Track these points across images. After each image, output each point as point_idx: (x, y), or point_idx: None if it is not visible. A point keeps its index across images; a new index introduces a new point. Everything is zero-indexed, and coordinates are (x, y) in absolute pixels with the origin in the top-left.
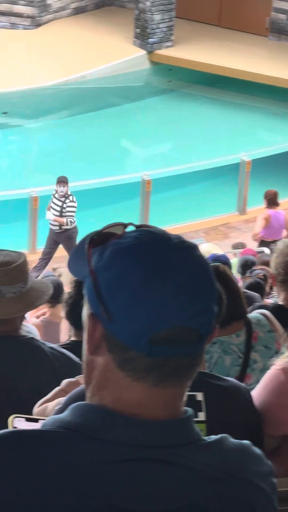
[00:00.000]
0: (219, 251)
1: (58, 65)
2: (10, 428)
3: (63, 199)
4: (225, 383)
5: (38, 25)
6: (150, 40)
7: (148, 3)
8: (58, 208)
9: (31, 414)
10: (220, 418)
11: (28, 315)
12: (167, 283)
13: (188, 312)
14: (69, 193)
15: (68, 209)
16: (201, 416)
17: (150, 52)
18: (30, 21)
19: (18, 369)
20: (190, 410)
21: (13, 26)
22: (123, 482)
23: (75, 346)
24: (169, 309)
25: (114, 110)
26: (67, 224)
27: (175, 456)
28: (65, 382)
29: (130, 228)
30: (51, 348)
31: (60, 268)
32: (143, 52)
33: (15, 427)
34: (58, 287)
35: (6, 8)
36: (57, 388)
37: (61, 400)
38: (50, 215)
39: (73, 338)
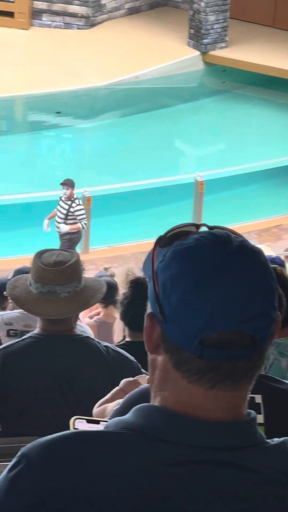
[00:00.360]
0: (272, 253)
1: (111, 65)
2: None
3: (69, 202)
4: (284, 386)
5: (93, 25)
6: (204, 41)
7: (202, 4)
8: (64, 211)
9: (87, 413)
10: (278, 420)
11: (81, 315)
12: (219, 286)
13: (241, 316)
14: (74, 196)
15: (77, 212)
16: (260, 418)
17: (204, 53)
18: (84, 21)
19: (73, 368)
20: (253, 413)
21: (68, 26)
22: (187, 484)
23: (130, 347)
24: (221, 313)
25: (167, 111)
26: (83, 228)
27: (239, 458)
28: (123, 382)
29: (204, 229)
30: (106, 346)
31: (112, 268)
32: (197, 53)
33: (77, 429)
34: (112, 287)
35: (60, 8)
36: (116, 389)
37: (120, 401)
38: (65, 227)
39: (128, 339)
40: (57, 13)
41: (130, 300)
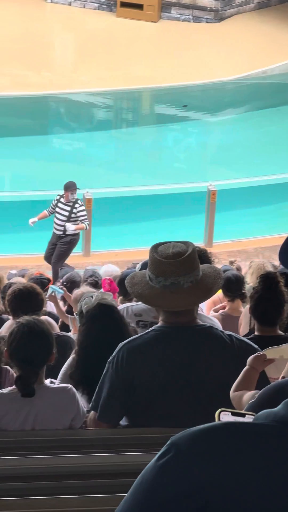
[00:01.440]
0: None
1: (239, 59)
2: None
3: (71, 204)
4: None
5: (221, 19)
6: None
7: None
8: (66, 214)
9: (215, 404)
10: None
11: (206, 308)
12: None
13: None
14: (76, 197)
15: (79, 213)
16: None
17: None
18: (213, 15)
19: (198, 359)
20: None
21: (196, 19)
22: None
23: (259, 341)
24: None
25: None
26: (86, 228)
27: None
28: (250, 359)
29: None
30: (230, 335)
31: (238, 261)
32: None
33: None
34: (237, 281)
35: (190, 1)
36: (245, 368)
37: (256, 394)
38: (71, 226)
39: (256, 333)
40: (186, 6)
41: (261, 294)
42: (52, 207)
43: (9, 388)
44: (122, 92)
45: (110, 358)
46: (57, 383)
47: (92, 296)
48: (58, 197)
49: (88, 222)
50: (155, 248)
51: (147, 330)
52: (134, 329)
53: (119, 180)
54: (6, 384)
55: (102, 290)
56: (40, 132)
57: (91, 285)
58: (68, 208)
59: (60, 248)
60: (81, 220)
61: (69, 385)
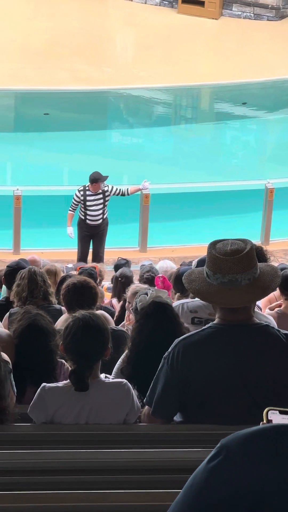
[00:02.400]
0: None
1: None
2: (265, 421)
3: (101, 192)
4: None
5: (283, 17)
6: None
7: None
8: (101, 202)
9: (269, 403)
10: None
11: (262, 306)
12: None
13: None
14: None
15: (112, 192)
16: None
17: None
18: (274, 13)
19: (254, 357)
20: None
21: (257, 17)
22: None
23: None
24: None
25: None
26: (141, 188)
27: None
28: None
29: None
30: (286, 334)
31: None
32: None
33: (270, 420)
34: None
35: None
36: None
37: None
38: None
39: None
40: (247, 4)
41: None
42: (75, 203)
43: (64, 382)
44: (181, 89)
45: (166, 354)
46: (111, 378)
47: (147, 293)
48: (81, 192)
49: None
50: (213, 245)
51: (204, 327)
52: (188, 329)
53: (177, 176)
54: (61, 377)
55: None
56: (99, 127)
57: (148, 281)
58: (101, 197)
59: (102, 234)
60: (121, 189)
61: (124, 380)
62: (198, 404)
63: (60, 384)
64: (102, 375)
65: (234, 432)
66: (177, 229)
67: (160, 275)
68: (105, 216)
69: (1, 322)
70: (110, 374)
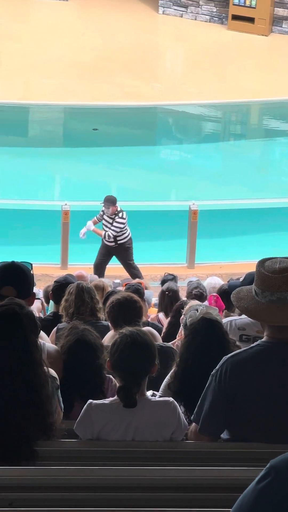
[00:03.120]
0: None
1: None
2: None
3: (113, 216)
4: None
5: None
6: None
7: None
8: (109, 225)
9: None
10: None
11: None
12: None
13: None
14: (118, 209)
15: (115, 224)
16: None
17: None
18: None
19: None
20: None
21: None
22: None
23: None
24: None
25: None
26: (104, 237)
27: None
28: None
29: None
30: None
31: None
32: None
33: None
34: None
35: None
36: None
37: None
38: (91, 225)
39: None
40: None
41: None
42: (100, 216)
43: (111, 399)
44: (230, 105)
45: (214, 371)
46: (158, 395)
47: (197, 310)
48: (103, 210)
49: (111, 234)
50: (262, 263)
51: (252, 345)
52: (238, 347)
53: (225, 192)
54: (108, 393)
55: (207, 303)
56: (147, 143)
57: (196, 297)
58: (110, 220)
59: (123, 256)
60: (110, 228)
61: (171, 398)
62: (245, 422)
63: (107, 401)
64: (149, 392)
65: (283, 453)
66: (225, 245)
67: (214, 294)
68: (118, 241)
69: (49, 337)
70: (157, 391)
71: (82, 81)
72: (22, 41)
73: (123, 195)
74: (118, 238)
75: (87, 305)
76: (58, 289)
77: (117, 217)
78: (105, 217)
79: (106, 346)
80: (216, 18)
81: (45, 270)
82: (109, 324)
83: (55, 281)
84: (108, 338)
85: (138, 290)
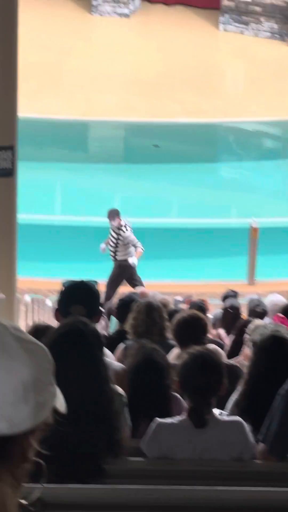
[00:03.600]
0: None
1: None
2: None
3: (117, 230)
4: None
5: None
6: None
7: None
8: (114, 241)
9: None
10: None
11: None
12: None
13: None
14: (122, 224)
15: (127, 239)
16: None
17: None
18: None
19: None
20: None
21: None
22: None
23: None
24: None
25: None
26: (142, 251)
27: None
28: None
29: None
30: None
31: None
32: None
33: None
34: None
35: None
36: None
37: None
38: (134, 259)
39: None
40: None
41: None
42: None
43: (179, 417)
44: None
45: (282, 390)
46: (226, 415)
47: (266, 327)
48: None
49: (140, 247)
50: None
51: None
52: None
53: (286, 209)
54: (174, 412)
55: (271, 321)
56: (208, 160)
57: (259, 315)
58: (115, 235)
59: (132, 274)
60: (134, 245)
61: (239, 418)
62: None
63: (175, 419)
64: (217, 411)
65: None
66: (286, 262)
67: (279, 313)
68: (117, 257)
69: (113, 354)
70: (221, 408)
71: (142, 97)
72: (83, 57)
73: (183, 212)
74: (117, 254)
75: (156, 325)
76: (122, 307)
77: (121, 231)
78: (110, 231)
79: (174, 364)
80: (277, 35)
81: (103, 287)
82: (175, 342)
83: (119, 299)
84: (173, 356)
85: (201, 308)
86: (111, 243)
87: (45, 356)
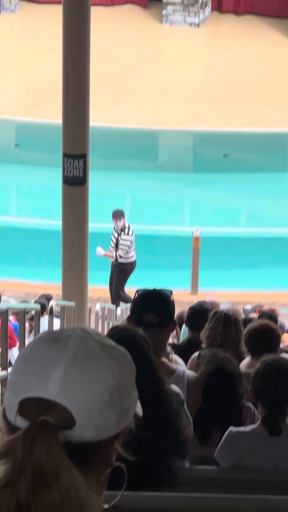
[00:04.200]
0: None
1: None
2: None
3: (119, 231)
4: None
5: None
6: None
7: None
8: (115, 240)
9: None
10: None
11: None
12: None
13: None
14: (126, 225)
15: (121, 242)
16: None
17: None
18: None
19: None
20: None
21: None
22: None
23: None
24: None
25: None
26: (113, 258)
27: None
28: None
29: None
30: None
31: None
32: None
33: None
34: None
35: None
36: None
37: None
38: (101, 250)
39: None
40: None
41: None
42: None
43: (252, 426)
44: None
45: None
46: None
47: None
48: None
49: (121, 254)
50: None
51: None
52: None
53: None
54: (247, 422)
55: None
56: (278, 169)
57: None
58: (116, 236)
59: (116, 277)
60: (120, 248)
61: None
62: None
63: (248, 428)
64: None
65: None
66: None
67: None
68: (119, 260)
69: (184, 362)
70: None
71: (212, 107)
72: (153, 67)
73: (253, 221)
74: (120, 257)
75: (233, 338)
76: (194, 316)
77: (123, 233)
78: (113, 231)
79: (246, 373)
80: None
81: (175, 295)
82: (247, 351)
83: (190, 308)
84: (244, 366)
85: (273, 317)
86: (112, 244)
87: (128, 361)
